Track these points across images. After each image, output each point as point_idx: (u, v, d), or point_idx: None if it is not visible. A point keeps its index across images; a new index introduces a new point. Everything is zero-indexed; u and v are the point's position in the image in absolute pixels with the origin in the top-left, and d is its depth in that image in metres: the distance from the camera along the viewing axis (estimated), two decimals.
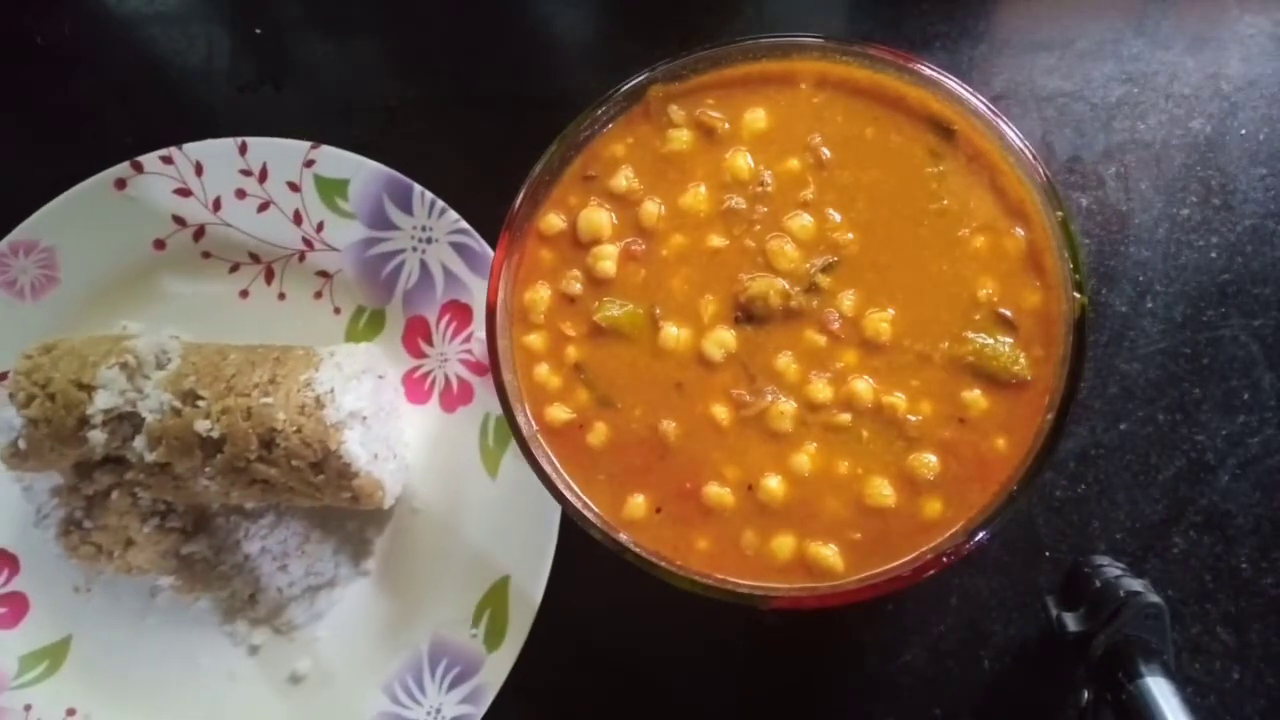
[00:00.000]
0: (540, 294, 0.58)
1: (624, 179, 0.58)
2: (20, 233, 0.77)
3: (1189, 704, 0.56)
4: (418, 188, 0.75)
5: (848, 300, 0.55)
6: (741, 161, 0.57)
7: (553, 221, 0.58)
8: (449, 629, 0.71)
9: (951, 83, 0.55)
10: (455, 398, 0.76)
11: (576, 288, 0.57)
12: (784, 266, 0.55)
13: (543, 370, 0.57)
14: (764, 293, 0.55)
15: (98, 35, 0.90)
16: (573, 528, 0.66)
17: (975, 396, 0.53)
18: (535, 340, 0.57)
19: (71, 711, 0.73)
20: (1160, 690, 0.57)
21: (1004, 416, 0.52)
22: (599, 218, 0.57)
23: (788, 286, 0.55)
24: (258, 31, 0.87)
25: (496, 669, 0.69)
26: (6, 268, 0.77)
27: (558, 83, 0.84)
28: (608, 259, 0.57)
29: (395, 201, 0.76)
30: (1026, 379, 0.52)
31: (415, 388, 0.77)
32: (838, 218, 0.56)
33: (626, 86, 0.58)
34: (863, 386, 0.54)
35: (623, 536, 0.54)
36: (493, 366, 0.56)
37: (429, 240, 0.75)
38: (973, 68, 0.78)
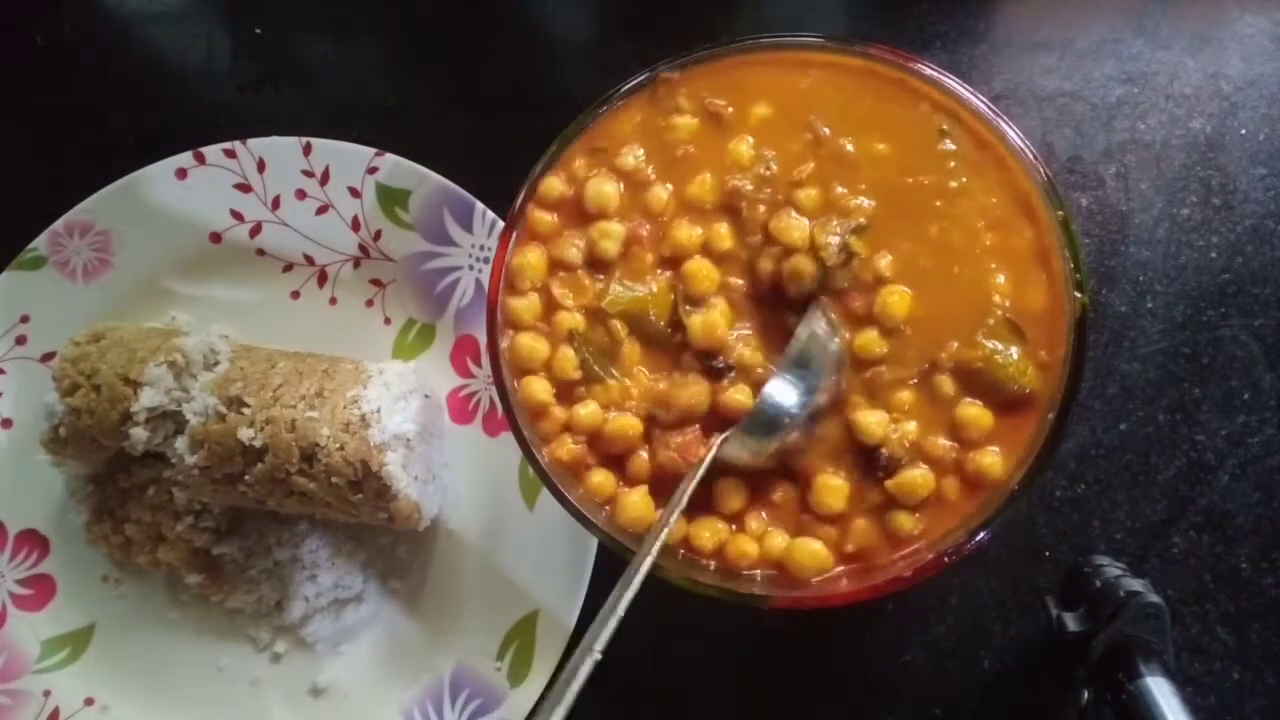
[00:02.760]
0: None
1: (632, 158, 0.57)
2: (76, 214, 0.76)
3: (1189, 704, 0.56)
4: (480, 206, 0.74)
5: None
6: (745, 149, 0.56)
7: (552, 219, 0.58)
8: (473, 658, 0.70)
9: (952, 82, 0.54)
10: (499, 423, 0.74)
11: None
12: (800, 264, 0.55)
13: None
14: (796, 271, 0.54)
15: (98, 35, 0.90)
16: (606, 569, 0.67)
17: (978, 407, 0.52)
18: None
19: (90, 701, 0.73)
20: (1160, 690, 0.57)
21: (1004, 429, 0.52)
22: (610, 214, 0.57)
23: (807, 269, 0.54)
24: (258, 31, 0.87)
25: (518, 706, 0.68)
26: (60, 248, 0.77)
27: (558, 83, 0.84)
28: (611, 237, 0.56)
29: (456, 218, 0.75)
30: (1033, 389, 0.52)
31: (459, 407, 0.76)
32: (861, 200, 0.55)
33: (635, 80, 0.58)
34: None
35: (621, 535, 0.54)
36: (493, 366, 0.56)
37: (486, 260, 0.74)
38: (973, 67, 0.78)
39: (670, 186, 0.57)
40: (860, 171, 0.55)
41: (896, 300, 0.53)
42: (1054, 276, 0.53)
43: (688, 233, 0.56)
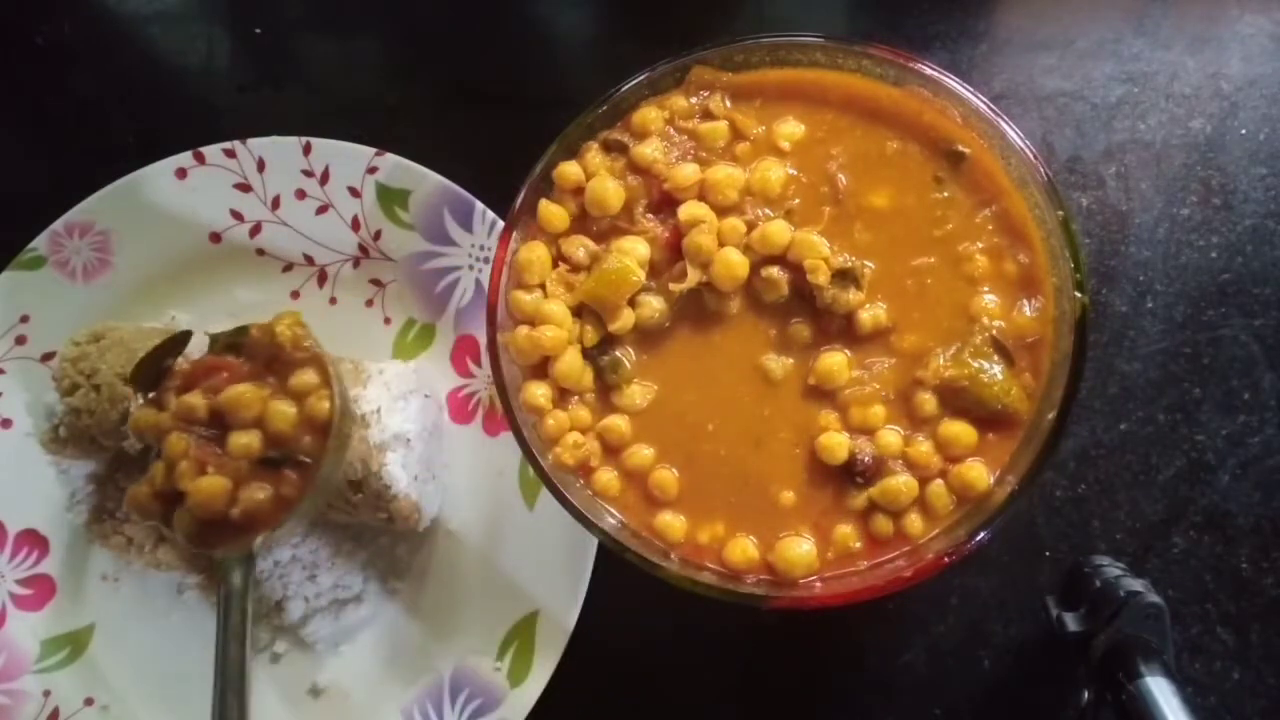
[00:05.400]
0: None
1: (650, 150, 0.56)
2: (76, 214, 0.76)
3: (1189, 704, 0.56)
4: (479, 206, 0.74)
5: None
6: (776, 175, 0.55)
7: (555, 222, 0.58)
8: (473, 659, 0.70)
9: (952, 82, 0.54)
10: (498, 422, 0.74)
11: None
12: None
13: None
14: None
15: (98, 35, 0.90)
16: (606, 569, 0.67)
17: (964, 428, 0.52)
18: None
19: (89, 701, 0.73)
20: (1160, 690, 0.57)
21: (987, 445, 0.53)
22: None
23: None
24: (257, 31, 0.87)
25: (517, 706, 0.68)
26: (60, 248, 0.76)
27: (558, 83, 0.84)
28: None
29: (456, 218, 0.75)
30: (1016, 409, 0.52)
31: (459, 407, 0.76)
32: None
33: (660, 72, 0.57)
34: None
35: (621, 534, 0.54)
36: (493, 365, 0.56)
37: (486, 260, 0.74)
38: (973, 67, 0.78)
39: (697, 167, 0.56)
40: (866, 226, 0.55)
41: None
42: (1045, 304, 0.53)
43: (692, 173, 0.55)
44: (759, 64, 0.57)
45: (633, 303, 0.55)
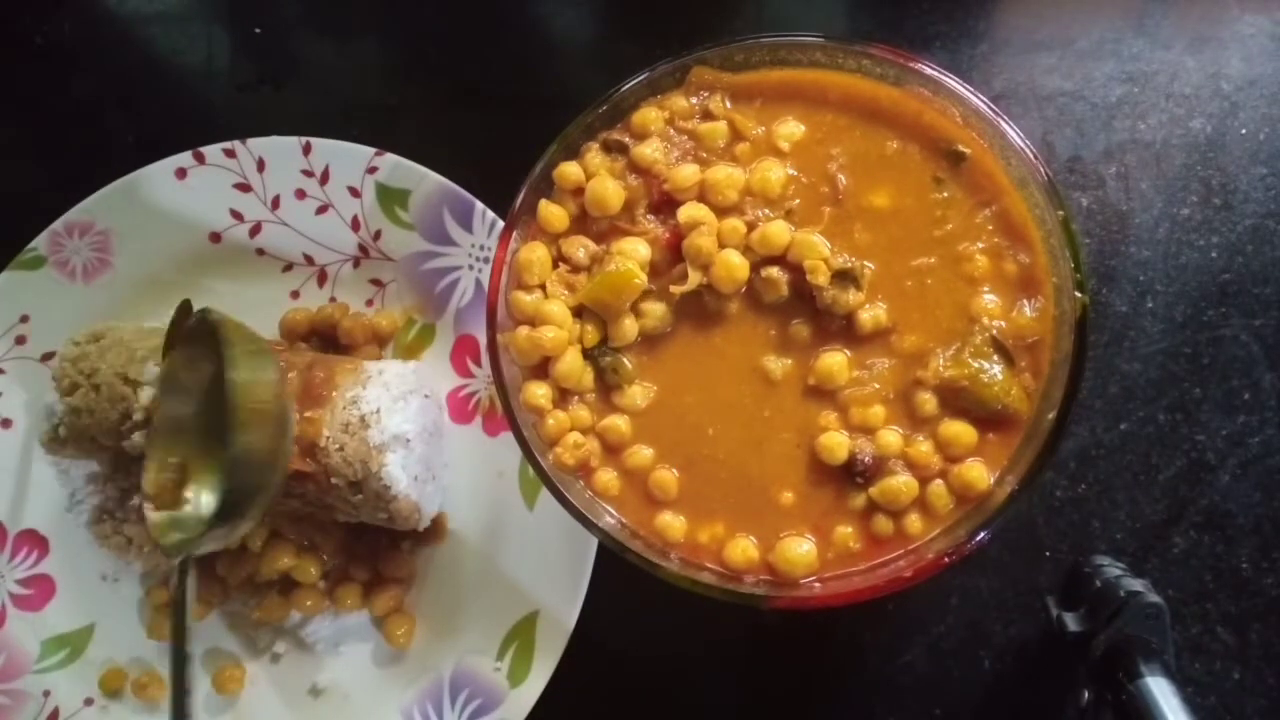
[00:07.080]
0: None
1: (650, 150, 0.56)
2: (76, 214, 0.76)
3: (1189, 704, 0.56)
4: (479, 205, 0.74)
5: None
6: (777, 176, 0.55)
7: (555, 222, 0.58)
8: (473, 658, 0.70)
9: (952, 82, 0.54)
10: (498, 422, 0.74)
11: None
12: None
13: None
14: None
15: (98, 35, 0.90)
16: (606, 569, 0.67)
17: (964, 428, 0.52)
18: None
19: (89, 701, 0.73)
20: (1160, 690, 0.57)
21: (987, 445, 0.52)
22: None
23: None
24: (257, 31, 0.87)
25: (517, 706, 0.68)
26: (60, 248, 0.76)
27: (558, 82, 0.84)
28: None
29: (456, 218, 0.75)
30: (1016, 409, 0.52)
31: (459, 407, 0.76)
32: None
33: (660, 71, 0.57)
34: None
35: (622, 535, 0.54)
36: (493, 365, 0.56)
37: (486, 260, 0.74)
38: (973, 67, 0.78)
39: (697, 167, 0.56)
40: (866, 226, 0.55)
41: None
42: (1045, 304, 0.53)
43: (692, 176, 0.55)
44: (759, 64, 0.57)
45: (635, 309, 0.55)
